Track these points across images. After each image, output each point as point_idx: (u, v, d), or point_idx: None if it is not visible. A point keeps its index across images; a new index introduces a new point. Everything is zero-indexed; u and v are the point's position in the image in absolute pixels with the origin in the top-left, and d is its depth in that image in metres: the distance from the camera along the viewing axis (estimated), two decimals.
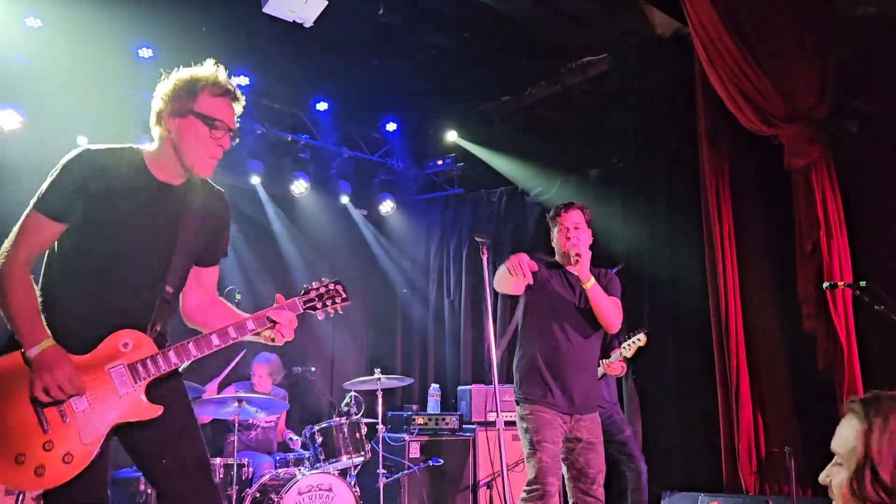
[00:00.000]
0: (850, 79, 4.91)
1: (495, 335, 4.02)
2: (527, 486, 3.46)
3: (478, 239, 3.47)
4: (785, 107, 4.78)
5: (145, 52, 5.58)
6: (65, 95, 5.33)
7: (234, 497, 4.38)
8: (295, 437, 5.10)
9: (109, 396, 2.16)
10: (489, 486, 5.68)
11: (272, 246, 6.76)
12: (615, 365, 4.94)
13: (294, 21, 4.96)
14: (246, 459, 4.75)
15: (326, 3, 4.87)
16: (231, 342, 2.30)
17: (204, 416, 4.81)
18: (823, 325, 4.70)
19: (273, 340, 2.38)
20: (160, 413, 2.21)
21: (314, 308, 2.42)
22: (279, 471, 4.60)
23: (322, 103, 6.71)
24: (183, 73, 2.32)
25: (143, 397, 2.20)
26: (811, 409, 4.95)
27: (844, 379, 4.52)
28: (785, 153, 4.88)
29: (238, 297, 4.84)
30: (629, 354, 4.96)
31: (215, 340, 2.27)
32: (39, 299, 2.18)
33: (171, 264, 2.28)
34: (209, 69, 2.34)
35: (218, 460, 4.53)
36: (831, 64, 4.79)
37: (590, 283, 3.52)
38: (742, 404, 5.03)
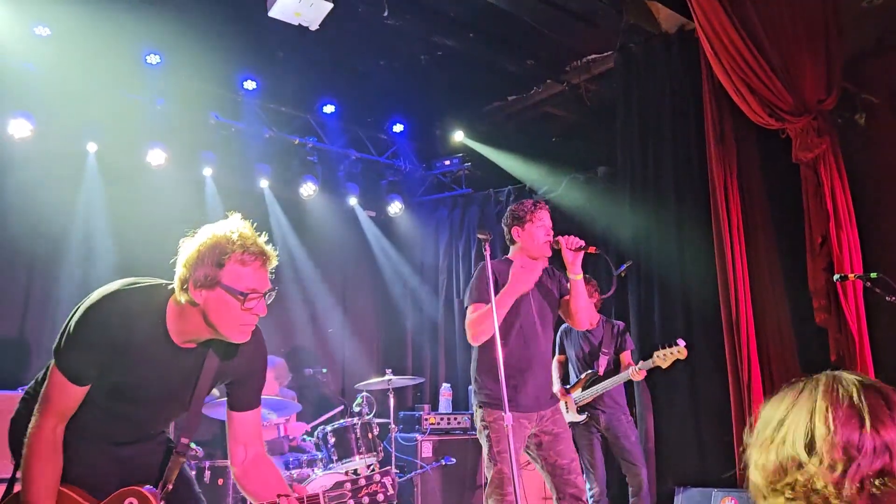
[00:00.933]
0: (857, 71, 4.89)
1: (497, 336, 4.02)
2: (487, 495, 3.47)
3: (480, 236, 3.48)
4: (792, 100, 4.76)
5: (153, 59, 5.63)
6: (74, 103, 5.39)
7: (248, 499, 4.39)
8: (308, 438, 5.12)
9: None
10: None
11: (281, 249, 6.79)
12: (642, 372, 4.93)
13: (300, 24, 4.98)
14: None
15: (332, 5, 4.89)
16: None
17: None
18: (835, 317, 4.68)
19: None
20: None
21: None
22: (293, 471, 4.62)
23: (329, 106, 6.75)
24: (206, 238, 2.07)
25: None
26: None
27: (856, 371, 4.49)
28: (793, 146, 4.86)
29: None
30: (665, 365, 4.90)
31: None
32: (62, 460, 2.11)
33: (188, 418, 2.22)
34: (236, 231, 2.08)
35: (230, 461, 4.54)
36: (838, 56, 4.77)
37: (578, 276, 3.59)
38: (754, 398, 5.01)
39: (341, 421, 4.80)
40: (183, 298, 2.07)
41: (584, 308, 3.64)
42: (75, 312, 2.08)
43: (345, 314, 7.23)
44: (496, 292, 3.40)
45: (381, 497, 2.06)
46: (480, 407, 3.56)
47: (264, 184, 6.56)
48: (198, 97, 6.02)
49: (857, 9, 5.04)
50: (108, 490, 2.12)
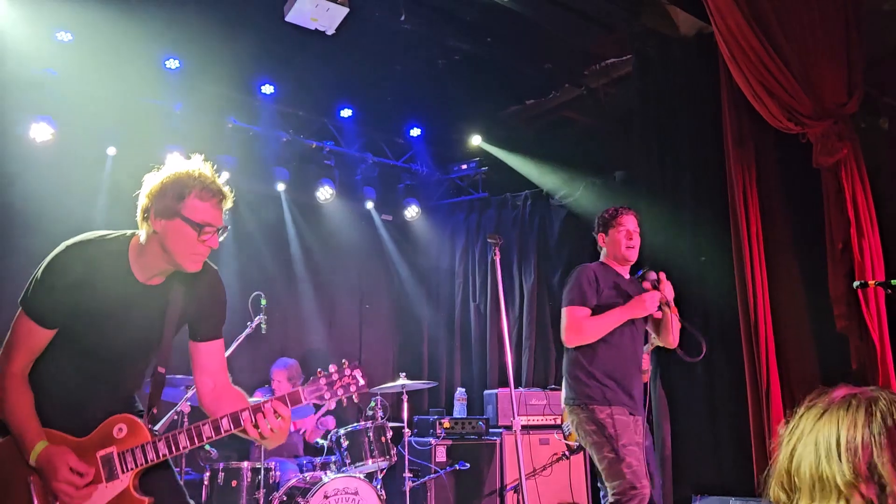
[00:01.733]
0: (880, 75, 4.81)
1: (509, 338, 4.09)
2: (620, 494, 3.32)
3: (490, 240, 3.53)
4: (812, 104, 4.70)
5: (172, 63, 5.69)
6: (94, 107, 5.46)
7: (262, 501, 4.42)
8: (321, 442, 5.13)
9: (96, 483, 2.17)
10: (516, 489, 5.66)
11: (298, 252, 6.82)
12: (646, 358, 4.76)
13: (316, 29, 5.01)
14: (273, 463, 4.79)
15: (347, 10, 4.91)
16: (224, 434, 2.23)
17: None
18: (856, 325, 4.60)
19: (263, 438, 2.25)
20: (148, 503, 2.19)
21: (321, 398, 2.28)
22: (306, 474, 4.64)
23: (346, 110, 6.77)
24: (170, 173, 2.27)
25: (131, 488, 2.18)
26: None
27: (878, 380, 4.42)
28: (813, 151, 4.79)
29: (263, 301, 4.89)
30: (659, 338, 4.83)
31: (207, 432, 2.22)
32: (32, 391, 2.22)
33: (161, 347, 2.33)
34: (196, 169, 2.28)
35: (245, 464, 4.58)
36: (860, 59, 4.69)
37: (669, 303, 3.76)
38: (773, 406, 4.94)
39: (355, 424, 4.80)
40: (143, 228, 2.25)
41: (672, 331, 3.82)
42: (42, 262, 2.23)
43: (361, 318, 7.24)
44: (596, 294, 3.62)
45: (353, 388, 2.28)
46: (585, 406, 3.53)
47: (281, 187, 6.59)
48: (216, 102, 6.07)
49: (879, 11, 4.96)
50: (94, 427, 2.22)
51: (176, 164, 2.30)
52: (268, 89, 6.20)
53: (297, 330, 6.53)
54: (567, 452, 5.68)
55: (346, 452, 4.67)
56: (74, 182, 5.52)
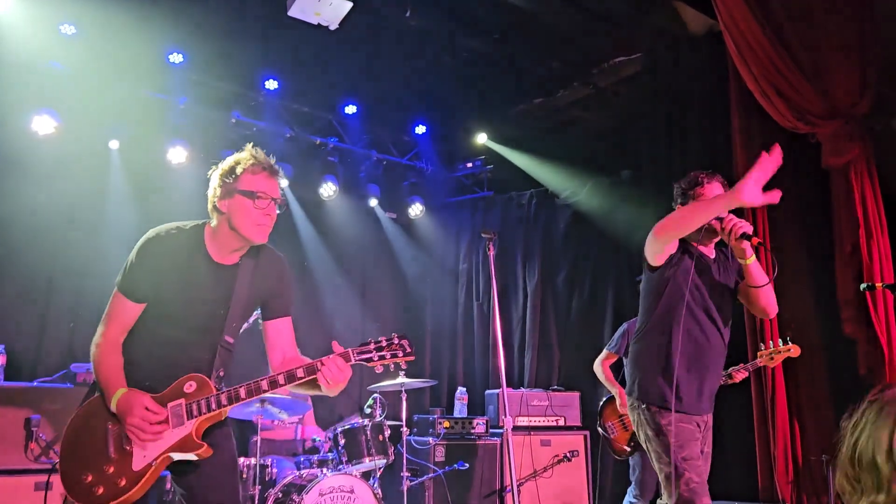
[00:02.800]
0: (894, 75, 4.72)
1: (501, 334, 3.92)
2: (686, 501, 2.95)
3: (484, 235, 3.39)
4: (822, 104, 4.62)
5: (176, 58, 5.67)
6: (98, 100, 5.46)
7: (257, 497, 4.39)
8: (318, 439, 5.09)
9: (165, 426, 2.41)
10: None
11: (301, 249, 6.79)
12: (742, 373, 4.44)
13: (319, 24, 4.98)
14: (270, 460, 4.76)
15: (351, 5, 4.88)
16: (280, 388, 2.45)
17: (234, 418, 4.84)
18: (864, 328, 4.52)
19: (320, 389, 2.49)
20: (205, 450, 2.42)
21: (369, 360, 2.48)
22: (302, 471, 4.60)
23: (351, 106, 6.74)
24: (225, 163, 2.60)
25: (193, 434, 2.41)
26: None
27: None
28: (823, 151, 4.72)
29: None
30: (773, 364, 4.43)
31: (264, 386, 2.44)
32: (124, 358, 2.52)
33: (227, 321, 2.57)
34: (247, 152, 2.61)
35: (242, 460, 4.55)
36: (872, 59, 4.61)
37: (751, 259, 3.07)
38: (778, 410, 4.87)
39: (352, 422, 4.76)
40: (214, 216, 2.56)
41: (764, 293, 3.15)
42: (134, 248, 2.56)
43: (364, 315, 7.20)
44: (678, 286, 3.08)
45: (400, 354, 2.48)
46: (647, 406, 3.10)
47: (284, 183, 6.53)
48: (220, 96, 6.06)
49: (893, 10, 4.87)
50: (172, 379, 2.47)
51: (231, 156, 2.62)
52: (272, 84, 6.18)
53: (299, 326, 6.44)
54: (568, 454, 5.63)
55: (343, 450, 4.63)
56: (77, 175, 5.52)
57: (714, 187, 3.19)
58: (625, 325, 5.09)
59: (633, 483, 4.80)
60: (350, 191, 6.97)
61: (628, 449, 4.81)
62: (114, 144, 5.68)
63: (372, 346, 2.48)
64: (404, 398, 5.11)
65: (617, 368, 5.01)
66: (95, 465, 2.38)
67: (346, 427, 4.70)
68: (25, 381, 4.50)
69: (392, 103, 6.84)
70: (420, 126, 7.17)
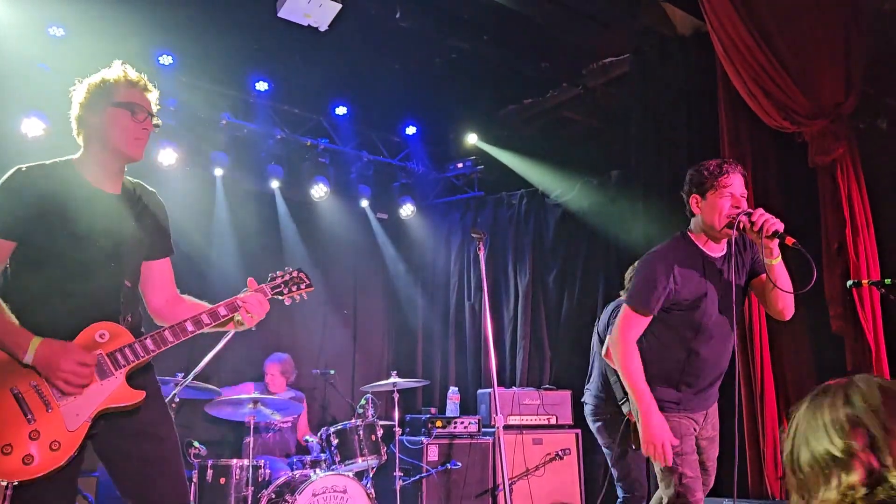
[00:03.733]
0: (879, 75, 4.78)
1: (510, 336, 3.94)
2: (679, 497, 2.97)
3: (473, 235, 3.39)
4: (808, 103, 4.67)
5: (165, 59, 5.66)
6: None
7: (250, 498, 4.39)
8: (311, 440, 5.11)
9: (91, 384, 2.24)
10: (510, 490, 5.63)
11: (291, 250, 6.79)
12: None
13: (309, 25, 4.99)
14: (262, 461, 4.77)
15: (340, 6, 4.89)
16: (206, 328, 2.41)
17: (219, 417, 4.84)
18: (851, 325, 4.58)
19: (243, 325, 2.49)
20: (142, 398, 2.31)
21: (280, 293, 2.60)
22: (295, 472, 4.61)
23: (341, 107, 6.74)
24: (93, 78, 2.48)
25: (125, 383, 2.29)
26: None
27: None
28: (809, 151, 4.77)
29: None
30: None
31: (189, 327, 2.38)
32: (10, 307, 2.24)
33: (123, 260, 2.40)
34: (117, 66, 2.52)
35: (234, 461, 4.55)
36: (858, 59, 4.66)
37: (777, 259, 2.92)
38: (767, 408, 4.92)
39: (345, 422, 4.77)
40: (80, 137, 2.43)
41: (784, 295, 3.00)
42: None
43: (355, 316, 7.21)
44: (666, 293, 2.93)
45: (303, 286, 2.66)
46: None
47: (275, 185, 6.56)
48: (210, 98, 6.05)
49: (878, 10, 4.93)
50: (75, 329, 2.27)
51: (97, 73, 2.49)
52: (262, 86, 6.18)
53: (289, 326, 6.49)
54: (560, 453, 5.66)
55: (335, 451, 4.64)
56: None
57: (737, 181, 2.99)
58: (611, 306, 4.97)
59: (621, 485, 4.74)
60: (341, 192, 6.98)
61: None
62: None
63: (279, 280, 2.62)
64: (396, 398, 5.13)
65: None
66: (15, 433, 2.12)
67: (339, 427, 4.71)
68: None
69: (382, 104, 6.85)
70: (410, 127, 7.19)
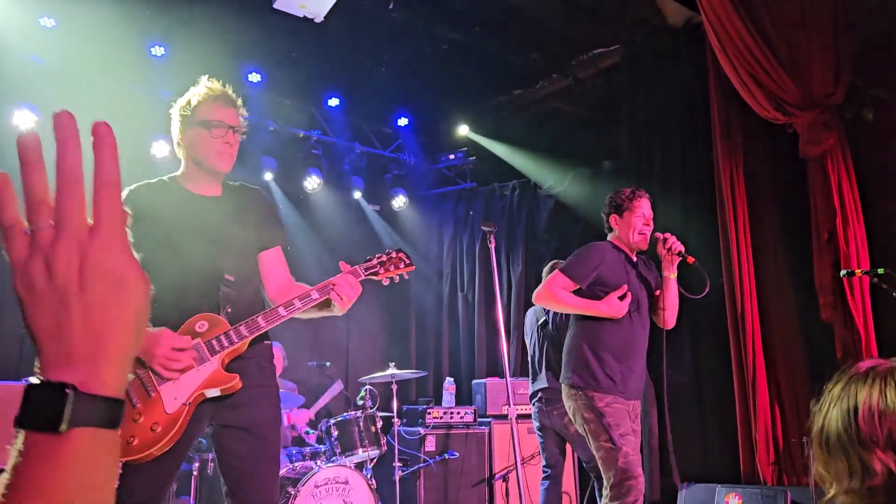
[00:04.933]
0: (865, 65, 4.86)
1: (507, 328, 4.00)
2: (614, 485, 3.28)
3: (484, 228, 3.47)
4: (799, 94, 4.73)
5: (158, 51, 5.62)
6: (79, 94, 5.37)
7: None
8: (311, 431, 5.12)
9: (189, 370, 2.37)
10: (505, 478, 5.69)
11: (289, 242, 6.77)
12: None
13: (305, 17, 4.97)
14: None
15: None
16: (298, 312, 2.46)
17: None
18: (841, 313, 4.66)
19: (336, 308, 2.55)
20: (237, 380, 2.39)
21: (375, 273, 2.60)
22: (296, 464, 4.62)
23: (334, 99, 6.73)
24: (182, 99, 2.60)
25: (220, 369, 2.39)
26: None
27: None
28: (800, 141, 4.84)
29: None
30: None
31: (282, 311, 2.43)
32: None
33: (226, 256, 2.52)
34: (202, 84, 2.62)
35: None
36: (846, 50, 4.73)
37: (673, 275, 3.61)
38: (759, 394, 5.00)
39: (345, 414, 4.79)
40: (180, 154, 2.58)
41: (673, 307, 3.65)
42: None
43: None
44: (590, 278, 3.51)
45: (402, 266, 2.64)
46: (583, 392, 3.44)
47: (269, 176, 6.55)
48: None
49: (865, 2, 5.00)
50: (179, 323, 2.42)
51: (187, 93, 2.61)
52: (255, 77, 6.14)
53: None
54: None
55: (336, 442, 4.66)
56: None
57: (646, 204, 3.69)
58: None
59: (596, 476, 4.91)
60: (334, 183, 6.97)
61: None
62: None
63: (375, 261, 2.61)
64: (395, 389, 5.15)
65: None
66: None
67: (339, 419, 4.73)
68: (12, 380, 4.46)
69: (374, 96, 6.85)
70: (402, 118, 7.19)
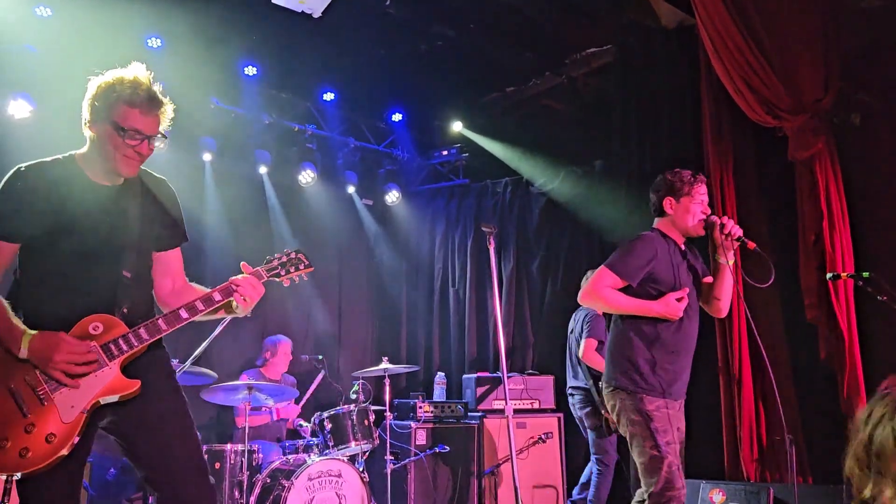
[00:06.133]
0: (854, 71, 4.94)
1: (502, 323, 4.00)
2: (654, 494, 3.10)
3: (484, 229, 3.41)
4: (790, 99, 4.80)
5: (154, 42, 5.61)
6: (74, 84, 5.33)
7: (245, 483, 4.45)
8: (305, 424, 5.17)
9: (94, 367, 2.24)
10: (494, 472, 5.76)
11: (278, 235, 6.79)
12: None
13: (303, 11, 4.98)
14: (256, 446, 4.81)
15: None
16: (200, 315, 2.39)
17: (211, 401, 4.88)
18: (825, 315, 4.74)
19: (238, 310, 2.48)
20: (138, 387, 2.29)
21: (277, 275, 2.59)
22: (289, 457, 4.67)
23: (329, 93, 6.74)
24: (103, 79, 2.39)
25: (120, 374, 2.27)
26: (812, 398, 5.01)
27: (846, 368, 4.58)
28: (789, 145, 4.91)
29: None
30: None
31: (184, 314, 2.36)
32: (8, 304, 2.27)
33: (123, 252, 2.39)
34: (130, 75, 2.40)
35: (228, 446, 4.60)
36: (836, 56, 4.81)
37: (731, 262, 3.37)
38: (744, 394, 5.09)
39: (338, 407, 4.84)
40: (86, 134, 2.40)
41: (728, 296, 3.43)
42: None
43: (340, 302, 7.25)
44: (642, 275, 3.24)
45: (301, 267, 2.65)
46: (633, 392, 3.21)
47: (263, 170, 6.56)
48: (198, 82, 6.00)
49: (854, 8, 5.07)
50: (69, 323, 2.27)
51: (112, 72, 2.41)
52: (251, 71, 6.15)
53: (277, 312, 6.51)
54: (543, 436, 5.80)
55: (329, 435, 4.71)
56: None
57: (701, 189, 3.39)
58: (585, 311, 5.47)
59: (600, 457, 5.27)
60: (327, 177, 6.99)
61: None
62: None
63: (276, 262, 2.60)
64: (387, 384, 5.21)
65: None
66: (10, 428, 2.14)
67: (332, 412, 4.77)
68: None
69: (369, 91, 6.87)
70: (396, 114, 7.21)
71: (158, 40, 5.61)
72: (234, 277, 2.46)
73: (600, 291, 3.23)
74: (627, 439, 3.28)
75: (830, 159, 4.86)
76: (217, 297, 2.41)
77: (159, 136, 2.40)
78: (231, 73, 6.15)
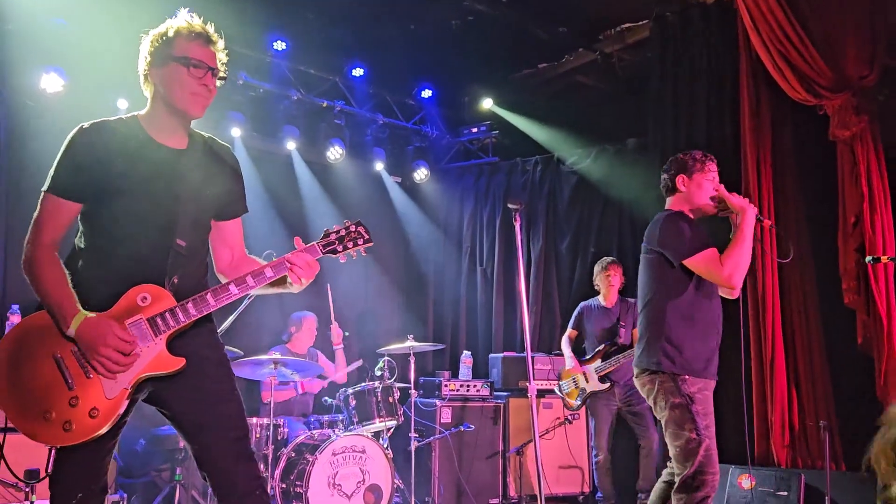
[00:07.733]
0: None
1: (528, 303, 3.96)
2: (688, 476, 3.08)
3: (511, 205, 3.36)
4: (832, 76, 4.65)
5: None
6: (105, 58, 5.37)
7: (270, 457, 4.49)
8: (329, 400, 5.19)
9: (136, 358, 2.19)
10: (519, 452, 5.74)
11: (306, 212, 6.79)
12: None
13: None
14: (281, 420, 4.85)
15: None
16: (250, 290, 2.32)
17: (241, 376, 4.91)
18: (863, 299, 4.62)
19: (292, 286, 2.39)
20: (182, 365, 2.23)
21: (334, 251, 2.42)
22: (314, 432, 4.70)
23: (358, 69, 6.68)
24: (155, 31, 2.36)
25: (165, 350, 2.22)
26: (848, 384, 4.89)
27: (883, 354, 4.47)
28: (830, 124, 4.76)
29: (274, 257, 4.88)
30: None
31: (233, 289, 2.27)
32: (67, 272, 2.23)
33: (179, 218, 2.30)
34: (181, 17, 2.40)
35: (254, 420, 4.64)
36: (881, 30, 4.63)
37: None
38: (776, 377, 4.99)
39: (363, 384, 4.84)
40: (147, 90, 2.34)
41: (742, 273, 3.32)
42: (61, 147, 2.26)
43: (367, 279, 7.25)
44: (688, 242, 3.22)
45: (360, 242, 2.45)
46: (674, 374, 3.17)
47: (291, 146, 6.55)
48: (227, 56, 5.99)
49: None
50: (118, 292, 2.22)
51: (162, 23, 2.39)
52: (280, 45, 6.11)
53: (303, 289, 6.52)
54: (570, 417, 5.76)
55: (353, 411, 4.72)
56: None
57: (713, 167, 3.44)
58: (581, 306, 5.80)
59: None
60: (356, 154, 6.96)
61: (576, 403, 5.63)
62: (122, 104, 5.62)
63: (333, 236, 2.43)
64: (412, 361, 5.20)
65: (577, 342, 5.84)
66: (55, 400, 2.12)
67: (357, 389, 4.78)
68: None
69: (399, 67, 6.79)
70: (426, 90, 7.13)
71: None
72: (287, 254, 2.35)
73: (717, 269, 3.20)
74: (662, 423, 3.24)
75: (873, 139, 4.71)
76: (269, 273, 2.32)
77: (220, 72, 2.36)
78: (260, 48, 6.12)
